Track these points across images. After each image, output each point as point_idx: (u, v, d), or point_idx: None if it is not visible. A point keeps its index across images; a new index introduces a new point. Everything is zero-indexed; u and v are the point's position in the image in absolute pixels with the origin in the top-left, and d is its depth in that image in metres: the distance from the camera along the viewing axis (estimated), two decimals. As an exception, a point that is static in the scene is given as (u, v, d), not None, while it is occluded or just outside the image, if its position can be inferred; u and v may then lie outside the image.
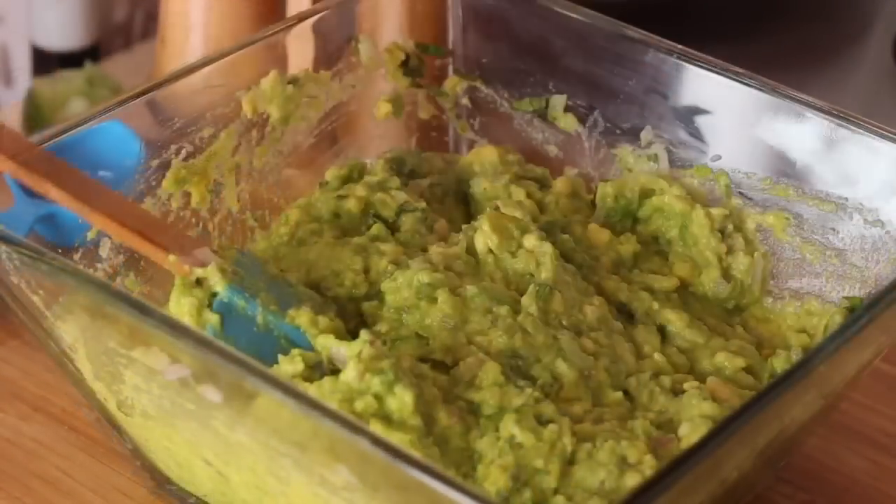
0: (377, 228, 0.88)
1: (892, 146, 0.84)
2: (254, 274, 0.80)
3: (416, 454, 0.64)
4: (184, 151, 0.86)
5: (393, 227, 0.89)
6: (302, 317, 0.78)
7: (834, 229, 0.86)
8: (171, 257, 0.78)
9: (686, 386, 0.79)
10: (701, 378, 0.80)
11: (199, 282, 0.78)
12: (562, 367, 0.78)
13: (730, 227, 0.89)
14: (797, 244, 0.88)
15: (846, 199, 0.86)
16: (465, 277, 0.83)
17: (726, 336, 0.85)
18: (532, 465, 0.72)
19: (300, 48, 0.91)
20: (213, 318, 0.77)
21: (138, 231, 0.78)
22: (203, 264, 0.78)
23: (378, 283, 0.83)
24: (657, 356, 0.82)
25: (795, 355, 0.83)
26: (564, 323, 0.80)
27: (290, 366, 0.76)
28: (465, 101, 0.98)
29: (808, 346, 0.85)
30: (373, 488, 0.66)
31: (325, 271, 0.84)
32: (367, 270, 0.84)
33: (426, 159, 0.95)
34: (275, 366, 0.77)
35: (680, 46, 0.90)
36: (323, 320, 0.79)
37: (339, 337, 0.79)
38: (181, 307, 0.77)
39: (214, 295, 0.78)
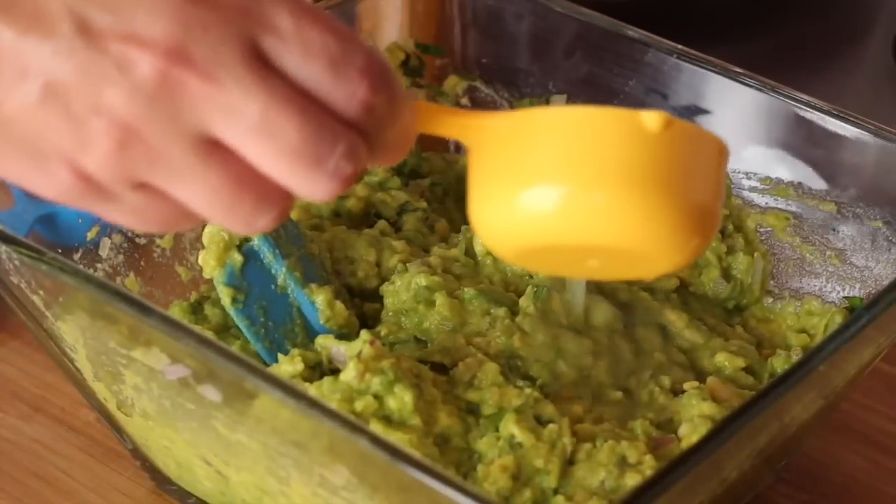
0: (383, 224, 0.88)
1: (891, 146, 0.83)
2: (293, 242, 0.81)
3: (416, 454, 0.64)
4: (184, 151, 0.86)
5: (395, 227, 0.89)
6: (321, 294, 0.79)
7: (834, 229, 0.86)
8: None
9: (686, 386, 0.79)
10: (701, 378, 0.80)
11: None
12: (561, 367, 0.78)
13: (730, 227, 0.89)
14: (797, 244, 0.88)
15: (846, 199, 0.86)
16: (463, 280, 0.83)
17: (726, 336, 0.85)
18: (532, 465, 0.72)
19: (300, 48, 0.91)
20: (236, 259, 0.79)
21: None
22: None
23: (388, 279, 0.83)
24: (657, 356, 0.82)
25: (795, 355, 0.83)
26: (563, 323, 0.80)
27: (289, 366, 0.76)
28: (465, 101, 0.97)
29: (808, 346, 0.85)
30: (373, 488, 0.66)
31: (340, 254, 0.84)
32: (378, 264, 0.84)
33: (426, 159, 0.95)
34: (274, 365, 0.77)
35: (680, 46, 0.90)
36: (339, 306, 0.79)
37: (349, 328, 0.79)
38: (212, 237, 0.78)
39: (247, 241, 0.79)
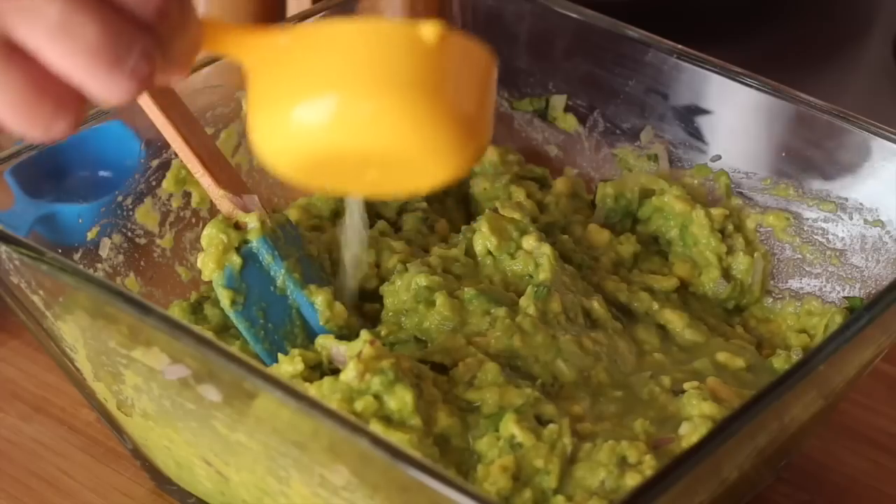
0: (382, 225, 0.88)
1: (891, 146, 0.83)
2: (291, 243, 0.81)
3: (416, 454, 0.64)
4: (184, 151, 0.86)
5: (394, 227, 0.89)
6: (320, 295, 0.80)
7: (834, 229, 0.86)
8: (221, 191, 0.79)
9: (686, 386, 0.79)
10: (701, 378, 0.80)
11: (237, 225, 0.79)
12: (561, 366, 0.78)
13: (730, 227, 0.89)
14: (797, 244, 0.88)
15: (846, 198, 0.86)
16: (463, 279, 0.83)
17: (726, 336, 0.86)
18: (532, 465, 0.72)
19: (300, 48, 0.91)
20: (235, 261, 0.79)
21: (200, 156, 0.79)
22: (248, 210, 0.79)
23: (387, 280, 0.83)
24: (657, 356, 0.82)
25: (795, 355, 0.83)
26: (563, 323, 0.80)
27: (290, 366, 0.76)
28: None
29: (808, 347, 0.85)
30: (373, 488, 0.66)
31: (339, 255, 0.84)
32: (378, 265, 0.84)
33: (426, 159, 0.95)
34: (274, 365, 0.77)
35: (680, 46, 0.90)
36: (338, 306, 0.79)
37: (349, 328, 0.79)
38: (210, 240, 0.79)
39: (246, 242, 0.79)
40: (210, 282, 0.80)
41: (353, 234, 0.81)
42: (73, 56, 0.57)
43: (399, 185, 0.67)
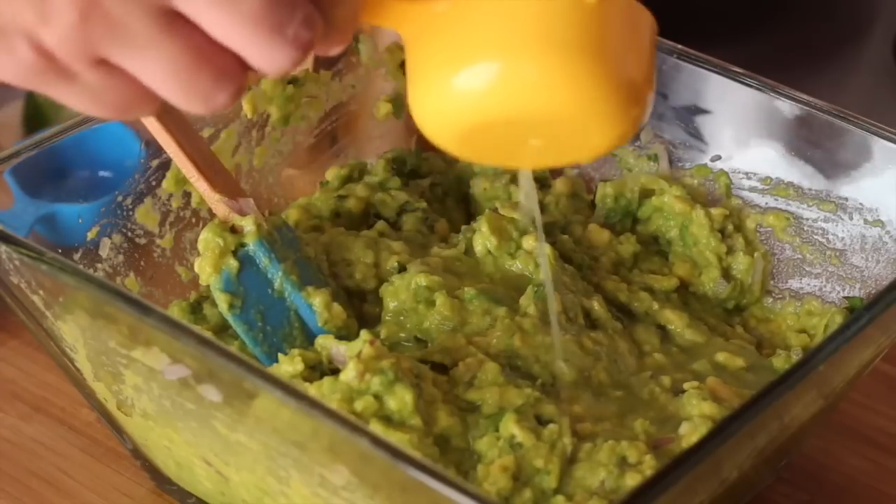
0: (382, 225, 0.88)
1: (891, 146, 0.83)
2: (288, 245, 0.81)
3: (416, 454, 0.64)
4: (184, 151, 0.86)
5: (394, 227, 0.89)
6: (318, 296, 0.79)
7: (834, 229, 0.86)
8: (217, 195, 0.79)
9: (686, 386, 0.79)
10: (701, 378, 0.80)
11: (233, 229, 0.79)
12: (561, 366, 0.78)
13: (730, 227, 0.89)
14: (797, 244, 0.88)
15: (846, 199, 0.86)
16: (464, 279, 0.83)
17: (726, 336, 0.86)
18: (532, 465, 0.72)
19: (300, 48, 0.91)
20: (232, 264, 0.79)
21: (195, 161, 0.79)
22: (244, 213, 0.80)
23: (386, 281, 0.83)
24: (657, 356, 0.82)
25: (795, 355, 0.83)
26: (563, 323, 0.80)
27: (289, 366, 0.76)
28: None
29: (808, 346, 0.85)
30: (373, 488, 0.66)
31: (337, 256, 0.84)
32: (376, 265, 0.84)
33: (426, 159, 0.95)
34: (274, 366, 0.77)
35: (680, 46, 0.90)
36: (337, 307, 0.79)
37: (348, 329, 0.79)
38: (207, 244, 0.79)
39: (243, 246, 0.79)
40: (209, 282, 0.80)
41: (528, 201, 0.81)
42: (234, 23, 0.56)
43: (560, 155, 0.65)
